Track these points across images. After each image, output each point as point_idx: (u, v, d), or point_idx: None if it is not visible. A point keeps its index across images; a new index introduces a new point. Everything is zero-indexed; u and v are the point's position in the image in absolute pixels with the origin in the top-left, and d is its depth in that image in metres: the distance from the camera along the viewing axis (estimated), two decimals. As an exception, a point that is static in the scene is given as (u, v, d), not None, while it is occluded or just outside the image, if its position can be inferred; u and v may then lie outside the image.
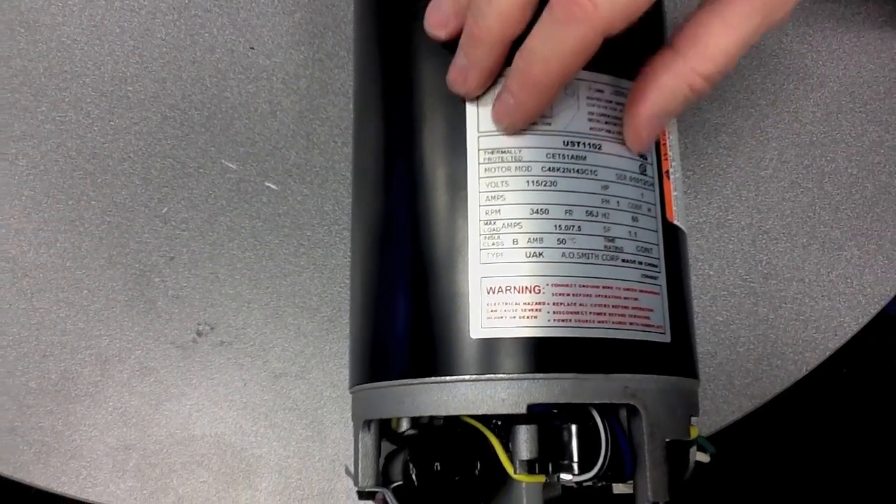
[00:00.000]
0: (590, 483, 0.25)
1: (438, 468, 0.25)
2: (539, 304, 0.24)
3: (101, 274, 0.36)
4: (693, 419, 0.27)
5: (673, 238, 0.27)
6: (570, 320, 0.24)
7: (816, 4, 0.42)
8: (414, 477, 0.25)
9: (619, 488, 0.31)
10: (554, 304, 0.24)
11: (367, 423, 0.27)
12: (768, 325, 0.37)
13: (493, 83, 0.26)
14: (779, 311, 0.37)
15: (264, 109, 0.38)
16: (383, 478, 0.27)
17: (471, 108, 0.26)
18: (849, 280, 0.38)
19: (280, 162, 0.38)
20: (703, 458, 0.32)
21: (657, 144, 0.27)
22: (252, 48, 0.39)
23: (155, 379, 0.35)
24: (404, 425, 0.27)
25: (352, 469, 0.28)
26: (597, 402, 0.24)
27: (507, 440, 0.25)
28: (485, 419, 0.26)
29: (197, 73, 0.39)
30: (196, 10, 0.39)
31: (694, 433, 0.27)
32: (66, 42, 0.39)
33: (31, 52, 0.38)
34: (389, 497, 0.27)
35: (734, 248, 0.38)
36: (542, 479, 0.25)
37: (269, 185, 0.38)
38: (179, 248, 0.37)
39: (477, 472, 0.25)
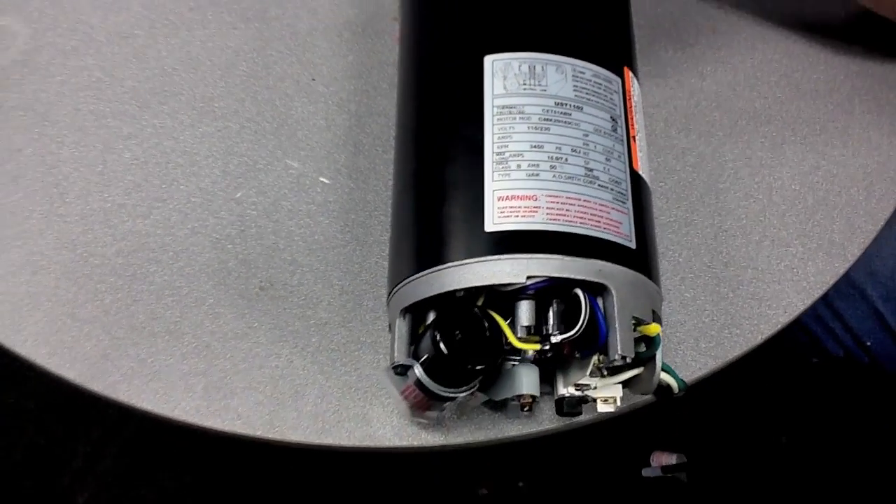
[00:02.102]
0: (571, 340, 0.32)
1: (459, 336, 0.33)
2: (535, 208, 0.33)
3: (184, 241, 0.45)
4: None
5: (638, 181, 0.36)
6: (559, 220, 0.33)
7: (766, 63, 0.52)
8: (441, 344, 0.32)
9: (602, 406, 0.38)
10: (547, 208, 0.33)
11: (404, 312, 0.35)
12: (728, 302, 0.45)
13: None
14: (737, 291, 0.45)
15: (321, 125, 0.48)
16: (413, 357, 0.34)
17: (487, 80, 0.36)
18: (795, 270, 0.46)
19: (332, 163, 0.47)
20: (671, 382, 0.39)
21: (625, 112, 0.37)
22: (314, 79, 0.50)
23: (223, 322, 0.43)
24: (430, 318, 0.35)
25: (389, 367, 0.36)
26: (578, 277, 0.32)
27: (510, 321, 0.33)
28: (492, 305, 0.33)
29: (269, 96, 0.49)
30: (271, 51, 0.50)
31: (656, 329, 0.34)
32: (168, 70, 0.49)
33: (140, 76, 0.49)
34: (418, 368, 0.34)
35: (699, 241, 0.46)
36: (537, 345, 0.33)
37: (322, 179, 0.47)
38: (248, 223, 0.45)
39: (487, 332, 0.32)
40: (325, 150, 0.48)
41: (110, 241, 0.45)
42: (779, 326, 0.44)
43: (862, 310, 0.66)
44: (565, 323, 0.32)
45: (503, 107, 0.35)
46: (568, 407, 0.38)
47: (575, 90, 0.36)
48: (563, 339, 0.32)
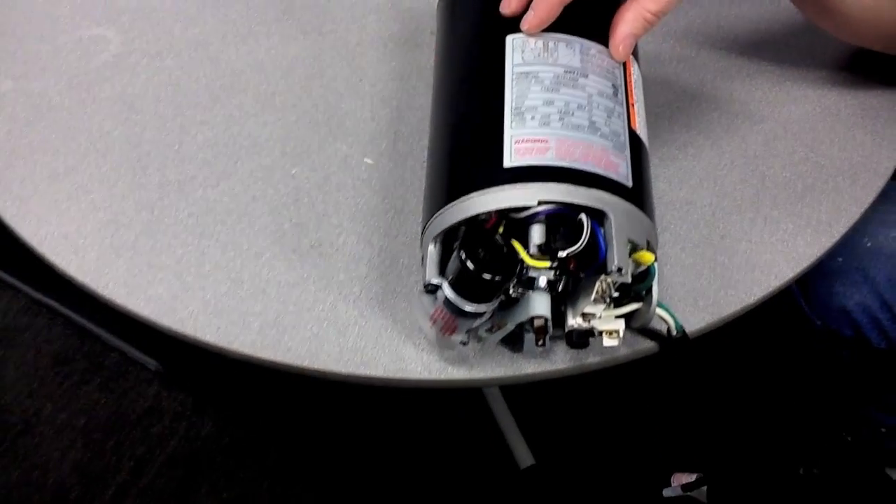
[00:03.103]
0: (576, 256, 0.38)
1: (482, 254, 0.38)
2: (546, 148, 0.39)
3: (246, 206, 0.52)
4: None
5: (635, 137, 0.42)
6: (566, 159, 0.39)
7: (760, 72, 0.59)
8: (465, 259, 0.38)
9: (607, 340, 0.43)
10: (556, 149, 0.39)
11: (436, 239, 0.41)
12: (724, 268, 0.50)
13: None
14: (732, 259, 0.51)
15: (367, 116, 0.56)
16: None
17: (508, 53, 0.43)
18: (786, 243, 0.51)
19: (375, 147, 0.54)
20: (667, 318, 0.44)
21: (625, 84, 0.43)
22: (361, 80, 0.57)
23: (278, 272, 0.49)
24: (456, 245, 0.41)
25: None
26: (581, 202, 0.38)
27: (525, 245, 0.39)
28: (509, 233, 0.39)
29: (322, 93, 0.57)
30: (325, 58, 0.58)
31: (650, 258, 0.40)
32: (236, 71, 0.57)
33: (212, 76, 0.57)
34: (446, 285, 0.40)
35: (698, 217, 0.52)
36: (546, 262, 0.39)
37: (367, 160, 0.54)
38: (302, 194, 0.52)
39: (505, 250, 0.38)
40: (369, 136, 0.55)
41: (183, 205, 0.52)
42: (770, 289, 0.50)
43: None
44: (570, 242, 0.38)
45: (521, 73, 0.42)
46: (577, 337, 0.43)
47: (582, 62, 0.43)
48: (568, 253, 0.38)
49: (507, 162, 0.39)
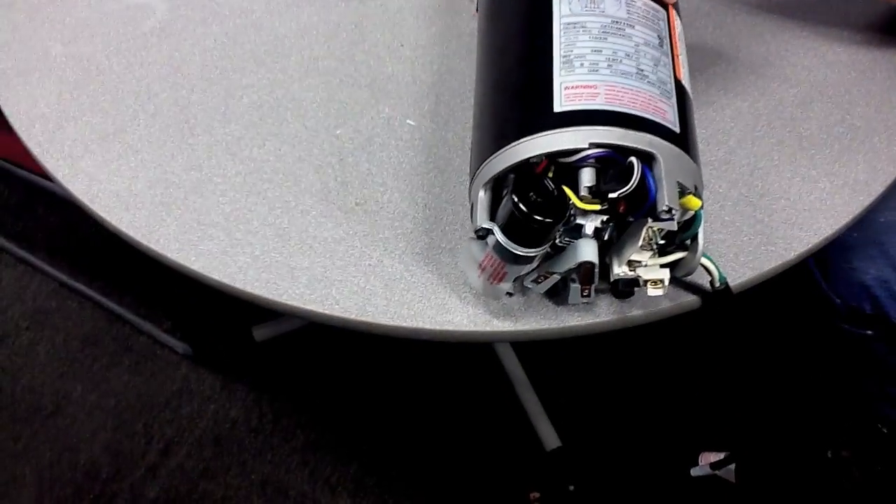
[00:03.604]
0: (626, 197, 0.39)
1: (532, 197, 0.39)
2: (595, 94, 0.40)
3: (292, 165, 0.53)
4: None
5: (681, 87, 0.43)
6: (615, 103, 0.40)
7: (794, 39, 0.59)
8: (517, 201, 0.39)
9: (651, 290, 0.44)
10: (605, 94, 0.40)
11: (487, 184, 0.42)
12: (764, 225, 0.51)
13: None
14: (771, 216, 0.51)
15: (408, 80, 0.57)
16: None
17: (555, 4, 0.44)
18: (823, 201, 0.52)
19: (417, 109, 0.55)
20: (711, 268, 0.45)
21: (669, 35, 0.44)
22: (402, 45, 0.58)
23: (324, 229, 0.50)
24: (506, 192, 0.42)
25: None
26: (631, 145, 0.39)
27: (575, 189, 0.40)
28: (559, 179, 0.40)
29: (365, 58, 0.58)
30: (367, 23, 0.60)
31: (697, 203, 0.41)
32: (280, 36, 0.59)
33: (257, 41, 0.58)
34: (497, 229, 0.41)
35: (737, 176, 0.53)
36: (597, 205, 0.40)
37: (409, 121, 0.55)
38: (346, 154, 0.53)
39: (555, 193, 0.39)
40: (411, 99, 0.56)
41: (230, 165, 0.53)
42: (810, 246, 0.50)
43: None
44: (621, 184, 0.39)
45: (568, 23, 0.43)
46: (623, 286, 0.44)
47: (628, 13, 0.43)
48: (619, 194, 0.39)
49: (557, 107, 0.40)
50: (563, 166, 0.41)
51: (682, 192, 0.40)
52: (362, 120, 0.55)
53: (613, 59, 0.41)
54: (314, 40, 0.59)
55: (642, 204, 0.39)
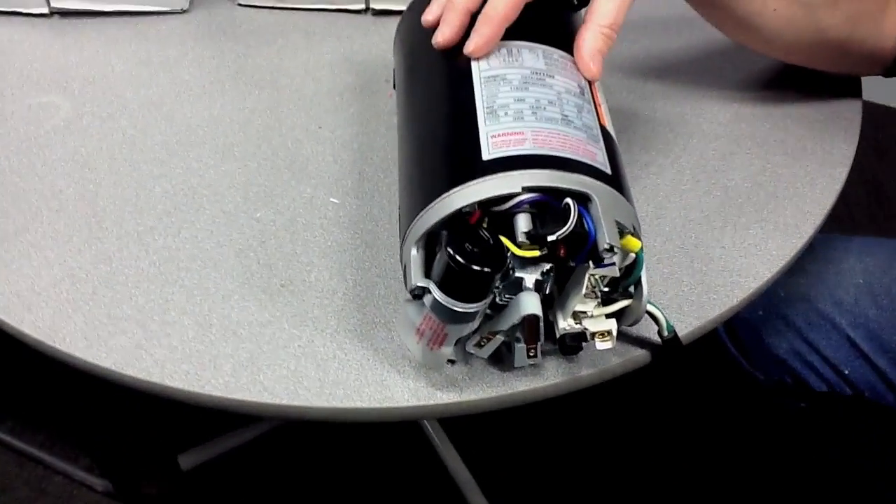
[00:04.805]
0: (565, 240, 0.37)
1: (470, 248, 0.37)
2: (523, 139, 0.39)
3: (211, 251, 0.50)
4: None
5: (607, 133, 0.43)
6: (545, 147, 0.39)
7: (708, 97, 0.61)
8: (452, 254, 0.37)
9: (600, 344, 0.42)
10: (532, 139, 0.39)
11: (419, 242, 0.39)
12: (703, 274, 0.50)
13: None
14: (709, 265, 0.50)
15: (329, 160, 0.55)
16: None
17: (475, 65, 0.43)
18: (758, 246, 0.51)
19: (340, 188, 0.54)
20: (658, 315, 0.43)
21: (589, 86, 0.44)
22: (320, 128, 0.57)
23: (248, 313, 0.47)
24: (439, 251, 0.40)
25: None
26: (565, 186, 0.38)
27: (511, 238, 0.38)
28: (494, 229, 0.38)
29: (282, 141, 0.56)
30: (282, 109, 0.58)
31: (637, 244, 0.39)
32: (193, 126, 0.57)
33: (168, 133, 0.56)
34: (433, 287, 0.38)
35: (669, 229, 0.52)
36: (535, 251, 0.38)
37: (332, 199, 0.53)
38: (268, 236, 0.51)
39: (491, 242, 0.37)
40: (333, 178, 0.54)
41: (143, 256, 0.49)
42: (751, 291, 0.49)
43: (835, 339, 0.70)
44: (558, 226, 0.37)
45: (488, 76, 0.42)
46: (570, 340, 0.42)
47: (546, 65, 0.43)
48: (558, 236, 0.37)
49: (486, 155, 0.39)
50: (496, 216, 0.39)
51: (621, 231, 0.39)
52: (283, 201, 0.53)
53: (537, 107, 0.41)
54: (228, 128, 0.57)
55: (582, 245, 0.38)
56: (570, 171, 0.38)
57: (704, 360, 0.76)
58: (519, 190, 0.38)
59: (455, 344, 0.42)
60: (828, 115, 0.60)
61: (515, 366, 0.44)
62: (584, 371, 0.45)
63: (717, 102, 0.61)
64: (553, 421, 1.13)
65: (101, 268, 0.49)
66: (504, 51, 0.44)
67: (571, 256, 0.39)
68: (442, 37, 0.45)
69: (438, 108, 0.43)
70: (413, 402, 0.44)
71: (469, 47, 0.43)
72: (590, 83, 0.45)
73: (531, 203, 0.38)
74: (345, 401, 0.44)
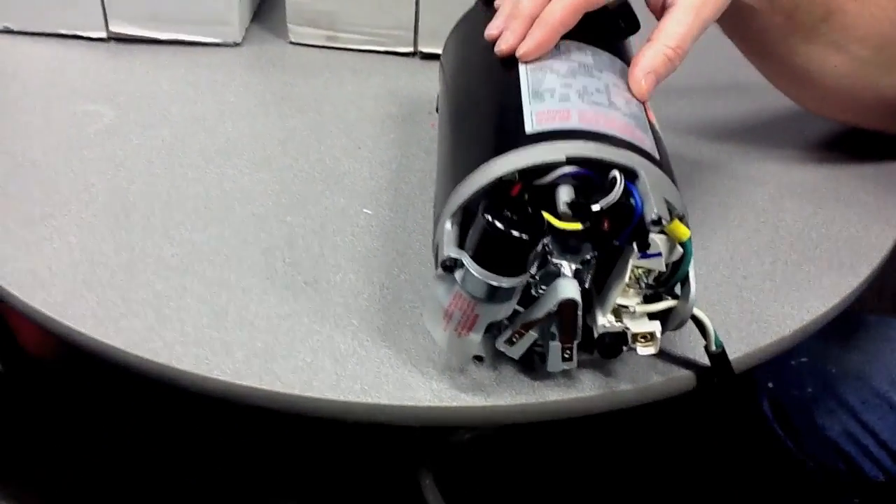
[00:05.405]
0: (609, 215, 0.35)
1: (508, 216, 0.35)
2: (569, 116, 0.38)
3: (236, 248, 0.48)
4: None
5: (655, 129, 0.41)
6: (591, 125, 0.37)
7: (753, 145, 0.59)
8: (489, 218, 0.34)
9: (642, 349, 0.39)
10: (579, 118, 0.38)
11: (455, 216, 0.37)
12: (752, 304, 0.47)
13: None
14: (759, 296, 0.47)
15: (365, 175, 0.54)
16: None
17: (521, 67, 0.42)
18: (811, 282, 0.48)
19: (374, 200, 0.52)
20: (704, 319, 0.40)
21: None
22: (359, 148, 0.57)
23: (268, 306, 0.44)
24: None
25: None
26: (611, 159, 0.36)
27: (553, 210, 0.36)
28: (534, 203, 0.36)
29: (320, 157, 0.56)
30: (323, 130, 0.58)
31: (686, 233, 0.37)
32: (232, 139, 0.57)
33: (207, 143, 0.56)
34: (466, 259, 0.36)
35: (717, 260, 0.49)
36: (577, 223, 0.35)
37: (366, 210, 0.51)
38: (296, 238, 0.49)
39: (530, 210, 0.35)
40: (368, 192, 0.53)
41: (166, 247, 0.48)
42: (804, 322, 0.46)
43: (891, 420, 0.65)
44: (603, 195, 0.35)
45: (535, 67, 0.41)
46: (609, 339, 0.39)
47: (595, 61, 0.42)
48: (602, 205, 0.35)
49: (529, 128, 0.37)
50: (537, 191, 0.37)
51: (670, 213, 0.36)
52: (315, 208, 0.51)
53: (584, 92, 0.39)
54: (267, 143, 0.57)
55: (628, 221, 0.35)
56: (619, 145, 0.37)
57: (747, 438, 0.71)
58: (562, 158, 0.36)
59: (485, 334, 0.39)
60: (882, 170, 0.58)
61: (549, 370, 0.40)
62: (622, 386, 0.42)
63: (765, 152, 0.59)
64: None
65: (122, 255, 0.47)
66: (553, 49, 0.43)
67: (615, 234, 0.36)
68: (505, 44, 0.43)
69: (481, 93, 0.42)
70: (435, 403, 0.40)
71: (521, 49, 0.42)
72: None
73: (574, 176, 0.36)
74: (361, 395, 0.40)
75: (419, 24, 0.65)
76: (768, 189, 0.56)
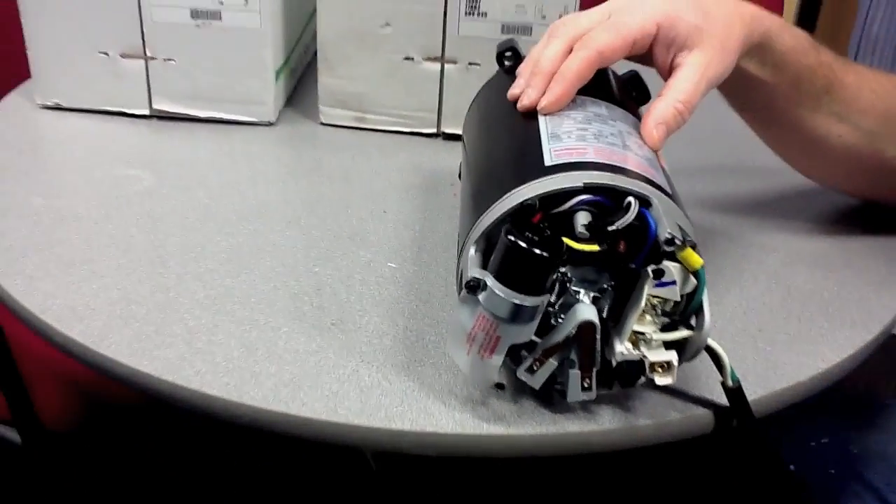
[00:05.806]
0: (625, 237, 0.37)
1: (529, 236, 0.37)
2: (585, 152, 0.40)
3: (266, 293, 0.50)
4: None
5: (666, 173, 0.43)
6: (606, 159, 0.40)
7: (768, 215, 0.62)
8: (517, 241, 0.36)
9: (660, 379, 0.40)
10: (595, 154, 0.40)
11: (479, 242, 0.39)
12: (767, 353, 0.48)
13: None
14: (774, 346, 0.48)
15: (390, 234, 0.57)
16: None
17: (541, 117, 0.46)
18: (825, 336, 0.49)
19: (398, 255, 0.54)
20: (719, 350, 0.41)
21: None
22: (385, 212, 0.59)
23: (296, 343, 0.46)
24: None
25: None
26: (624, 186, 0.38)
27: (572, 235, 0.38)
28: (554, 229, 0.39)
29: (348, 218, 0.58)
30: (350, 197, 0.61)
31: (699, 261, 0.38)
32: (264, 202, 0.60)
33: (241, 204, 0.59)
34: (490, 279, 0.38)
35: (731, 313, 0.51)
36: (595, 245, 0.37)
37: (390, 264, 0.54)
38: (324, 286, 0.51)
39: (548, 233, 0.37)
40: (392, 248, 0.55)
41: (200, 290, 0.50)
42: (819, 371, 0.47)
43: None
44: (618, 217, 0.37)
45: (554, 115, 0.45)
46: (627, 366, 0.40)
47: (609, 112, 0.46)
48: (618, 226, 0.37)
49: (548, 161, 0.40)
50: (556, 220, 0.39)
51: (683, 242, 0.38)
52: (342, 262, 0.54)
53: (599, 135, 0.42)
54: (298, 206, 0.60)
55: (643, 243, 0.37)
56: (634, 176, 0.39)
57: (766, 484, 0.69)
58: (580, 185, 0.38)
59: (506, 363, 0.40)
60: (892, 242, 0.60)
61: (568, 400, 0.41)
62: (640, 421, 0.42)
63: (776, 223, 0.61)
64: None
65: (158, 295, 0.49)
66: (571, 102, 0.46)
67: (631, 256, 0.38)
68: (528, 98, 0.46)
69: (503, 141, 0.45)
70: (458, 431, 0.41)
71: (542, 102, 0.45)
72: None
73: (590, 203, 0.39)
74: (386, 422, 0.41)
75: (442, 106, 0.69)
76: (780, 256, 0.58)
